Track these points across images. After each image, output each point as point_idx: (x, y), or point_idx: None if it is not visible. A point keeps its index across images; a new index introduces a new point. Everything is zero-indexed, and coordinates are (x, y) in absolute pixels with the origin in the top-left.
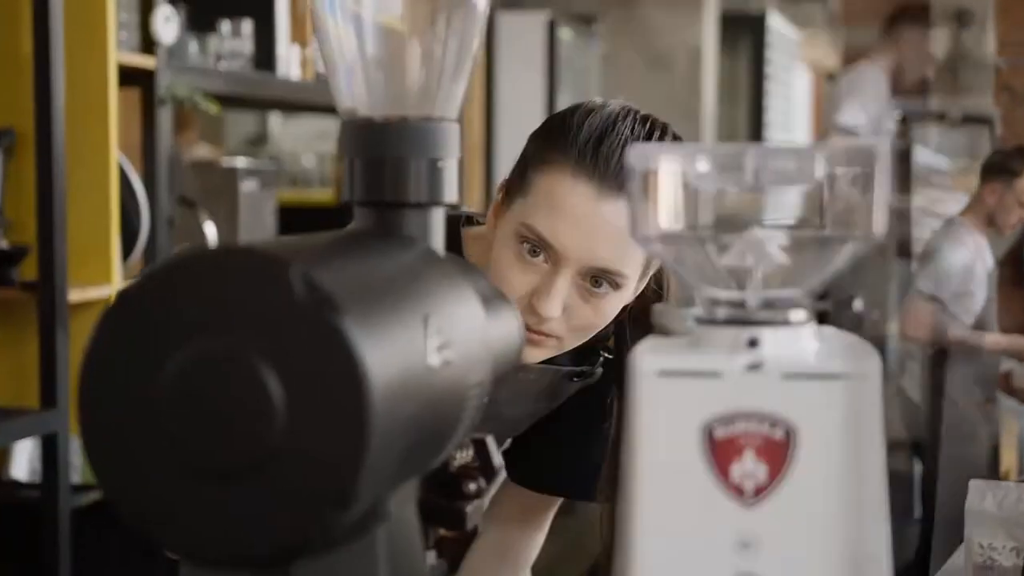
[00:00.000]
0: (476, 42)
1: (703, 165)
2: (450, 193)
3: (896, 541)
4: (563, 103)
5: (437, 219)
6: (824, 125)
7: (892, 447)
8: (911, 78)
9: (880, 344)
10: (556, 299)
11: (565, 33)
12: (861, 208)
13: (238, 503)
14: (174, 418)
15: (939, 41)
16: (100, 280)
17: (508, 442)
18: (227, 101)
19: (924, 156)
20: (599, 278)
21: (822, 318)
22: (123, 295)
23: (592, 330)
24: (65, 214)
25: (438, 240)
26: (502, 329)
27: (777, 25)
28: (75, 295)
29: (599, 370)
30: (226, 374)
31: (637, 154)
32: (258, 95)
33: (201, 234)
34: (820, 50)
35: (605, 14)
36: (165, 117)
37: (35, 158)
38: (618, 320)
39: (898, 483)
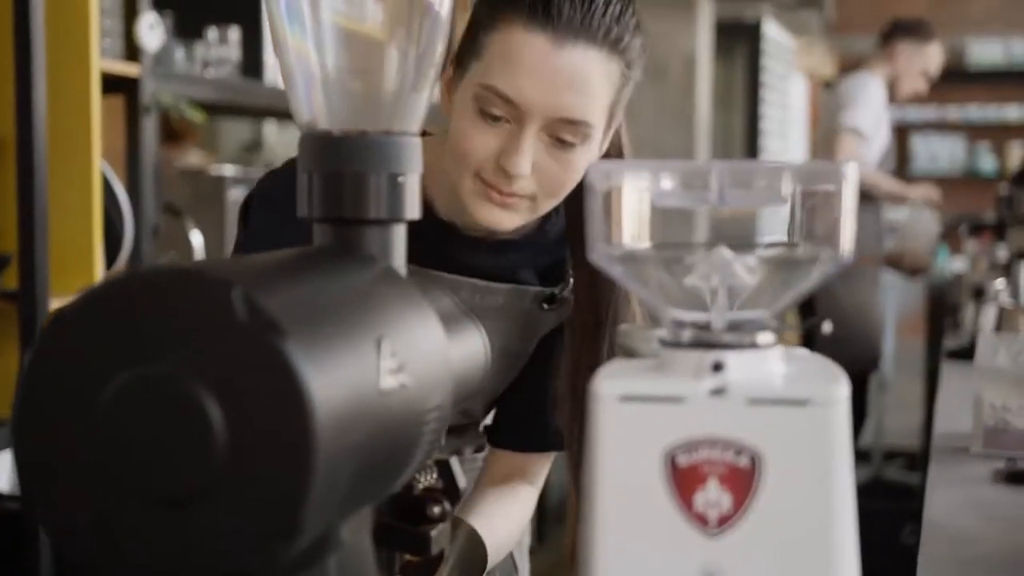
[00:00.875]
0: (439, 52)
1: (666, 183)
2: (412, 209)
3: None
4: None
5: (398, 236)
6: (819, 131)
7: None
8: (906, 91)
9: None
10: (524, 155)
11: None
12: (829, 228)
13: (179, 532)
14: (112, 444)
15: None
16: (83, 289)
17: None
18: (214, 108)
19: None
20: (563, 134)
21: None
22: (61, 315)
23: (563, 188)
24: (47, 222)
25: (399, 257)
26: (465, 349)
27: (773, 33)
28: (57, 304)
29: (570, 297)
30: (166, 399)
31: (597, 172)
32: (245, 102)
33: (187, 243)
34: (816, 58)
35: None
36: (149, 125)
37: (16, 165)
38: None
39: None
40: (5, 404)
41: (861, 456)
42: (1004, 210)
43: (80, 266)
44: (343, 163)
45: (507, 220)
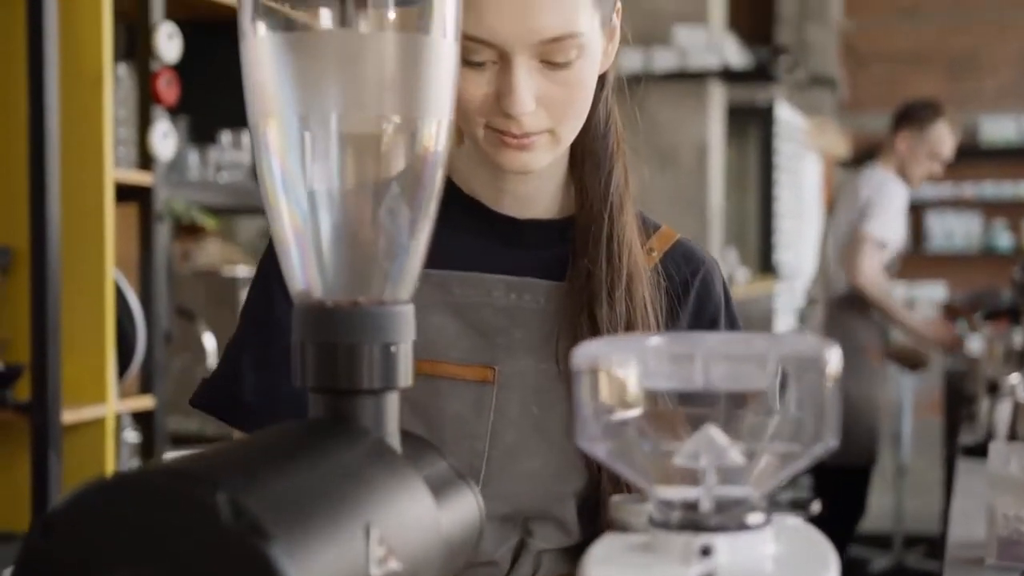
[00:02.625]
0: (428, 224)
1: (652, 364)
2: (405, 377)
3: None
4: None
5: (391, 404)
6: (836, 224)
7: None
8: (917, 177)
9: None
10: (522, 91)
11: None
12: (816, 408)
13: None
14: None
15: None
16: (95, 400)
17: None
18: (228, 211)
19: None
20: (554, 56)
21: None
22: (48, 519)
23: (577, 110)
24: (59, 334)
25: (392, 426)
26: (457, 515)
27: (785, 115)
28: (69, 416)
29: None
30: None
31: (582, 353)
32: (259, 205)
33: (200, 346)
34: (829, 137)
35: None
36: (162, 232)
37: (30, 276)
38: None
39: None
40: (18, 516)
41: (882, 543)
42: (1018, 295)
43: (92, 377)
44: (337, 334)
45: (533, 161)
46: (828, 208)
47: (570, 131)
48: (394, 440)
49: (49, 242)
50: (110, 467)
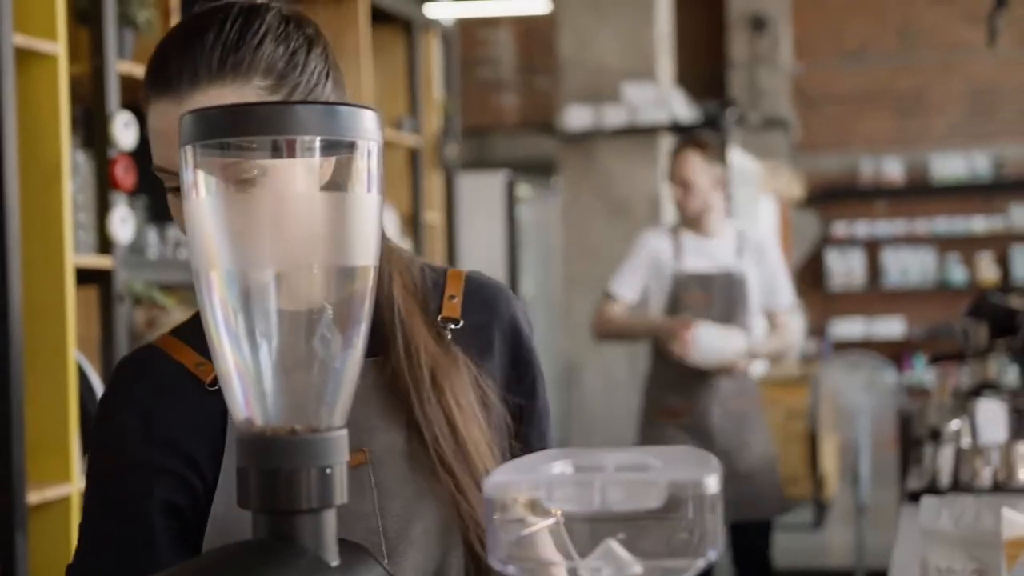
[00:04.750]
0: (359, 352)
1: (557, 493)
2: (340, 495)
3: None
4: (524, 254)
5: (329, 521)
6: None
7: None
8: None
9: None
10: (270, 186)
11: (523, 190)
12: (702, 528)
13: None
14: None
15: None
16: (59, 479)
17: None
18: (189, 286)
19: None
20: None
21: None
22: None
23: None
24: (23, 416)
25: (329, 541)
26: None
27: (738, 160)
28: (34, 496)
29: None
30: None
31: (494, 484)
32: None
33: None
34: (784, 179)
35: (564, 166)
36: (123, 313)
37: None
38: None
39: None
40: None
41: None
42: (963, 339)
43: (56, 458)
44: (277, 461)
45: None
46: (785, 247)
47: None
48: (331, 554)
49: (11, 326)
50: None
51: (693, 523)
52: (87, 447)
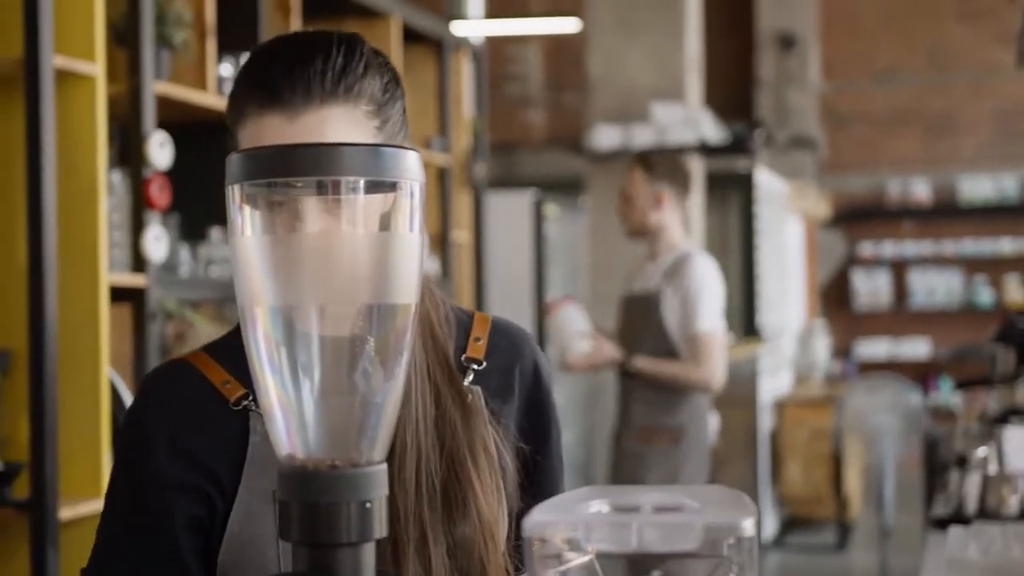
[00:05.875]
0: (399, 387)
1: (594, 533)
2: (380, 529)
3: None
4: (551, 272)
5: (368, 554)
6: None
7: None
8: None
9: None
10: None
11: (551, 209)
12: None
13: None
14: None
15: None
16: (92, 495)
17: None
18: (218, 303)
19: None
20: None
21: None
22: None
23: None
24: (57, 433)
25: (368, 573)
26: None
27: (765, 180)
28: (66, 512)
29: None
30: None
31: (533, 523)
32: None
33: None
34: (810, 199)
35: (591, 185)
36: (155, 331)
37: (28, 377)
38: None
39: None
40: None
41: None
42: (990, 368)
43: (89, 473)
44: (318, 494)
45: None
46: (810, 267)
47: None
48: None
49: (47, 345)
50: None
51: (730, 564)
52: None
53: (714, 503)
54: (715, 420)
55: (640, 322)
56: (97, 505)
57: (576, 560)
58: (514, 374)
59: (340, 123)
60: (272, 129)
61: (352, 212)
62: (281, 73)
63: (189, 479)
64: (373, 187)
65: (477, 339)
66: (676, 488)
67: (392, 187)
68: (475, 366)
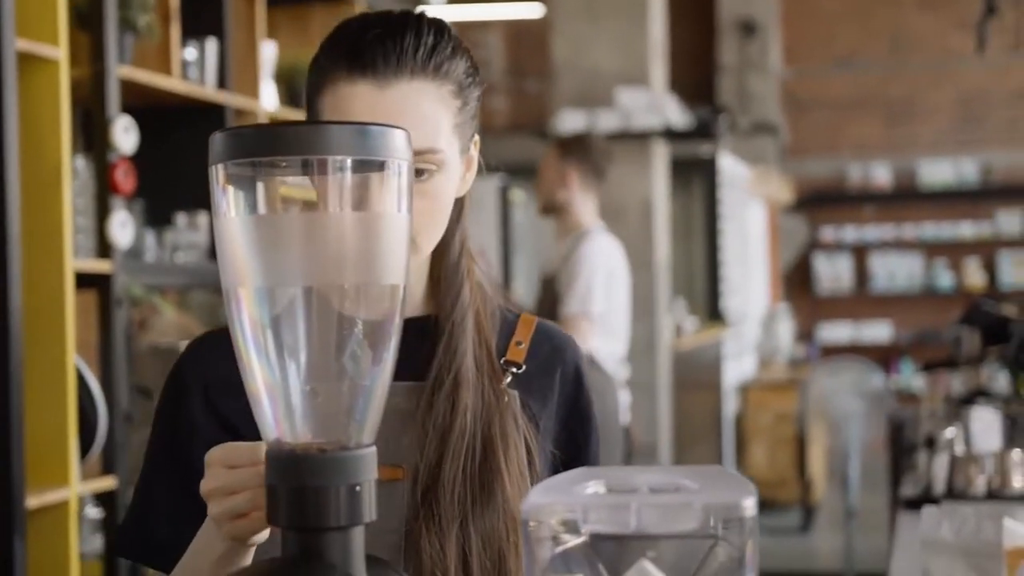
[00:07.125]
0: (388, 373)
1: (592, 515)
2: (369, 512)
3: None
4: (517, 258)
5: (357, 538)
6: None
7: None
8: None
9: None
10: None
11: (517, 195)
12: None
13: None
14: None
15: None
16: (58, 483)
17: None
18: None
19: None
20: (416, 164)
21: None
22: None
23: (435, 220)
24: (23, 421)
25: (357, 558)
26: None
27: (728, 165)
28: (33, 500)
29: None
30: None
31: (531, 505)
32: (214, 283)
33: None
34: (773, 184)
35: None
36: (121, 317)
37: None
38: None
39: None
40: None
41: None
42: (954, 350)
43: (55, 460)
44: (306, 478)
45: None
46: (773, 252)
47: (428, 241)
48: (359, 571)
49: (12, 332)
50: (74, 549)
51: (729, 545)
52: (85, 450)
53: (712, 483)
54: (625, 396)
55: (544, 303)
56: (64, 493)
57: (572, 542)
58: (555, 379)
59: (428, 98)
60: (360, 97)
61: (338, 191)
62: (375, 42)
63: (220, 440)
64: (360, 166)
65: (519, 343)
66: (673, 468)
67: (380, 166)
68: (514, 369)
